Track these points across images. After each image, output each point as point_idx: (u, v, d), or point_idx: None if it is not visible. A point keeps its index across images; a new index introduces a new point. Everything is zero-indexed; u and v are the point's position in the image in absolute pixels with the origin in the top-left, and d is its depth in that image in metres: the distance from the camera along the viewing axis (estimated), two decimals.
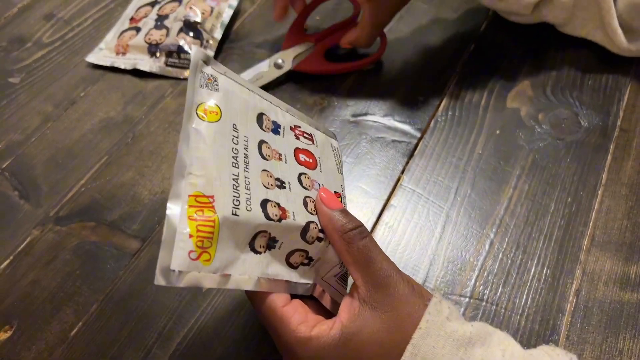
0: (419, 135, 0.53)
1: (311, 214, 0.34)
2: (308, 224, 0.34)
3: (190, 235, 0.28)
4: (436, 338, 0.30)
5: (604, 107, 0.55)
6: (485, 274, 0.44)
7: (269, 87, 0.57)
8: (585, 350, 0.40)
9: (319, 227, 0.34)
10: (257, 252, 0.32)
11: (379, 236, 0.47)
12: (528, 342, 0.41)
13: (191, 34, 0.59)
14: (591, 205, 0.48)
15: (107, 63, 0.60)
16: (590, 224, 0.47)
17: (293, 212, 0.33)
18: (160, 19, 0.61)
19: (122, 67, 0.59)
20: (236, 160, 0.32)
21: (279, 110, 0.39)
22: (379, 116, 0.55)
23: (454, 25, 0.63)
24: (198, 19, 0.59)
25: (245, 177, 0.32)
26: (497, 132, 0.54)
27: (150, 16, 0.62)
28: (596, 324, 0.42)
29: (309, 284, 0.35)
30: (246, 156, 0.33)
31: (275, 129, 0.37)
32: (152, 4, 0.64)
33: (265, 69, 0.57)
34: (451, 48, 0.61)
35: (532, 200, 0.49)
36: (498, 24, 0.62)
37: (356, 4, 0.61)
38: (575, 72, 0.58)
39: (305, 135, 0.39)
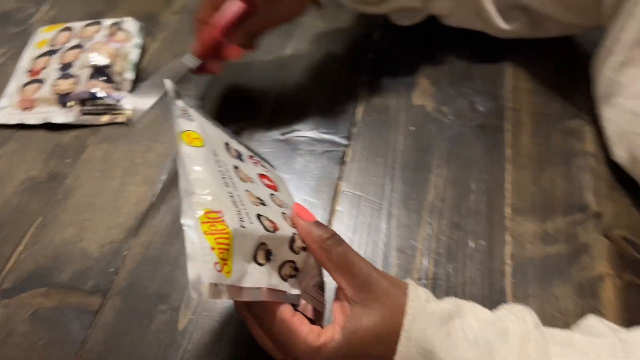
0: (345, 142, 0.58)
1: (291, 227, 0.37)
2: (293, 235, 0.36)
3: (212, 248, 0.29)
4: (423, 320, 0.34)
5: (493, 92, 0.63)
6: (433, 255, 0.49)
7: None
8: (529, 302, 0.47)
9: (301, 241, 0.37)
10: (260, 264, 0.33)
11: None
12: (483, 306, 0.46)
13: (102, 78, 0.58)
14: (504, 178, 0.55)
15: (14, 121, 0.57)
16: (508, 195, 0.54)
17: (280, 225, 0.35)
18: (65, 67, 0.59)
19: (33, 122, 0.57)
20: (225, 180, 0.33)
21: (235, 141, 0.41)
22: (306, 130, 0.58)
23: (350, 37, 0.69)
24: (106, 63, 0.59)
25: (237, 195, 0.33)
26: (412, 128, 0.59)
27: (52, 66, 0.60)
28: (532, 278, 0.48)
29: (298, 294, 0.37)
30: (230, 178, 0.34)
31: (239, 156, 0.39)
32: (50, 53, 0.62)
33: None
34: (353, 58, 0.66)
35: (455, 183, 0.55)
36: (390, 31, 0.69)
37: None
38: (464, 65, 0.65)
39: (260, 163, 0.42)
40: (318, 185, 0.54)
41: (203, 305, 0.45)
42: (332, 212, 0.52)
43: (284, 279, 0.36)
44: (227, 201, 0.32)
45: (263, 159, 0.46)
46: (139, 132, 0.58)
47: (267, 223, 0.34)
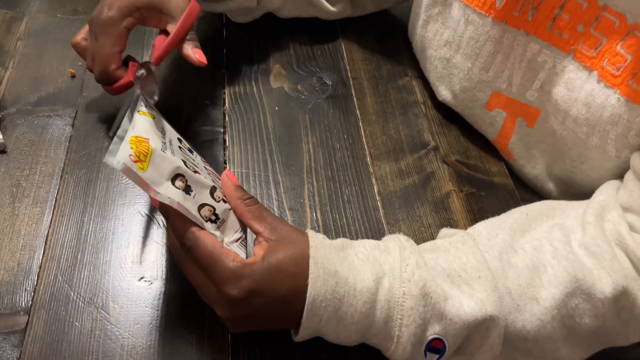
0: (222, 130, 0.64)
1: (216, 184, 0.45)
2: (214, 187, 0.44)
3: (131, 148, 0.40)
4: (323, 249, 0.42)
5: (335, 66, 0.74)
6: (319, 207, 0.58)
7: None
8: (400, 225, 0.58)
9: (224, 195, 0.45)
10: (176, 187, 0.42)
11: None
12: (367, 237, 0.57)
13: None
14: (360, 134, 0.66)
15: None
16: (365, 147, 0.65)
17: (204, 176, 0.44)
18: None
19: None
20: (163, 140, 0.44)
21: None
22: (186, 126, 0.63)
23: (201, 36, 0.74)
24: None
25: (169, 143, 0.45)
26: (276, 108, 0.68)
27: None
28: (399, 207, 0.59)
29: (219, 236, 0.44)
30: (170, 142, 0.45)
31: (189, 150, 0.49)
32: None
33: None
34: (209, 55, 0.72)
35: (323, 146, 0.64)
36: (235, 26, 0.76)
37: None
38: (306, 48, 0.75)
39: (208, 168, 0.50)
40: None
41: (129, 296, 0.49)
42: None
43: (204, 219, 0.43)
44: (157, 139, 0.43)
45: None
46: (17, 157, 0.58)
47: (189, 165, 0.43)
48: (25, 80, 0.66)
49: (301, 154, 0.63)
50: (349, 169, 0.62)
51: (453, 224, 0.58)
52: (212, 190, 0.44)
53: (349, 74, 0.73)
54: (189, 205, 0.41)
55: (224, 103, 0.67)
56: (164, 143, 0.44)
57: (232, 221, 0.45)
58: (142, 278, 0.50)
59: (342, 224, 0.57)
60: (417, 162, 0.64)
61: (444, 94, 0.67)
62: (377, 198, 0.60)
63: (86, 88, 0.66)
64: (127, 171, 0.39)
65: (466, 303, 0.41)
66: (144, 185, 0.39)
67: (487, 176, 0.63)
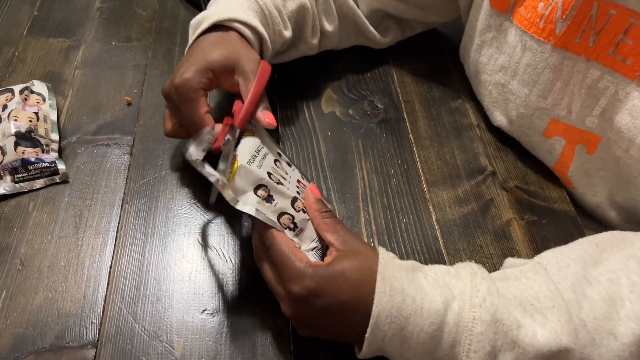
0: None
1: (299, 195, 0.49)
2: (296, 197, 0.48)
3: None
4: (392, 267, 0.43)
5: (386, 89, 0.73)
6: (376, 236, 0.58)
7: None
8: (461, 255, 0.56)
9: (304, 205, 0.49)
10: (257, 196, 0.46)
11: None
12: None
13: (29, 144, 0.58)
14: (414, 159, 0.65)
15: None
16: (421, 173, 0.64)
17: (287, 187, 0.48)
18: None
19: None
20: (256, 153, 0.49)
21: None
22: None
23: None
24: (29, 128, 0.59)
25: (262, 158, 0.49)
26: (329, 133, 0.67)
27: None
28: (458, 236, 0.58)
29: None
30: (264, 157, 0.50)
31: (288, 164, 0.53)
32: None
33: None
34: None
35: (377, 172, 0.63)
36: None
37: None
38: (355, 70, 0.75)
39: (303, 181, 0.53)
40: None
41: (192, 329, 0.49)
42: None
43: (283, 226, 0.47)
44: (247, 155, 0.47)
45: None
46: (78, 187, 0.59)
47: (274, 177, 0.48)
48: (84, 109, 0.67)
49: (355, 181, 0.62)
50: (405, 196, 0.61)
51: (515, 254, 0.56)
52: (294, 200, 0.48)
53: (400, 97, 0.72)
54: (268, 212, 0.46)
55: (278, 128, 0.67)
56: (254, 157, 0.48)
57: (310, 231, 0.48)
58: (204, 311, 0.50)
59: (400, 254, 0.56)
60: (475, 189, 0.62)
61: (499, 119, 0.65)
62: (436, 227, 0.59)
63: (142, 116, 0.67)
64: (216, 183, 0.45)
65: (540, 332, 0.40)
66: (227, 194, 0.45)
67: (547, 203, 0.61)
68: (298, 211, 0.48)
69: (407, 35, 0.77)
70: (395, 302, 0.40)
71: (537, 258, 0.47)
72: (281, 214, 0.47)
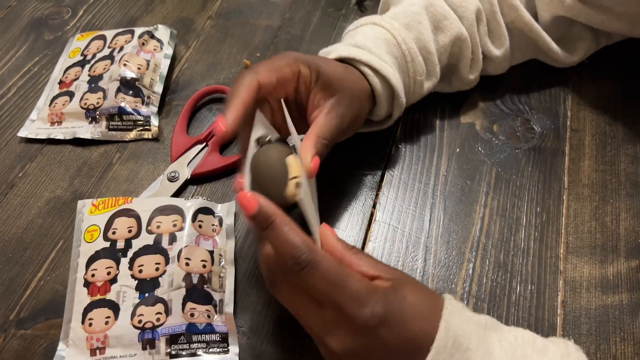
0: (382, 165, 0.53)
1: None
2: None
3: None
4: (460, 318, 0.34)
5: (552, 109, 0.56)
6: (474, 300, 0.45)
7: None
8: None
9: None
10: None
11: None
12: None
13: (130, 92, 0.56)
14: (559, 211, 0.49)
15: (43, 135, 0.56)
16: (563, 231, 0.48)
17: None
18: (94, 80, 0.57)
19: (61, 137, 0.55)
20: None
21: None
22: (344, 152, 0.54)
23: None
24: (135, 75, 0.56)
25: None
26: (457, 150, 0.54)
27: (82, 78, 0.58)
28: (587, 332, 0.43)
29: None
30: None
31: None
32: (82, 64, 0.60)
33: (158, 186, 0.51)
34: None
35: (504, 216, 0.49)
36: None
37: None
38: (519, 79, 0.59)
39: None
40: (350, 213, 0.50)
41: None
42: (364, 243, 0.48)
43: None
44: None
45: None
46: (166, 149, 0.55)
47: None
48: (202, 64, 0.63)
49: (470, 221, 0.49)
50: (530, 258, 0.47)
51: None
52: None
53: (569, 123, 0.55)
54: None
55: (397, 131, 0.56)
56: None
57: None
58: None
59: None
60: (634, 275, 0.45)
61: None
62: (559, 312, 0.44)
63: None
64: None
65: None
66: None
67: None
68: None
69: (602, 44, 0.58)
70: None
71: None
72: None
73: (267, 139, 0.38)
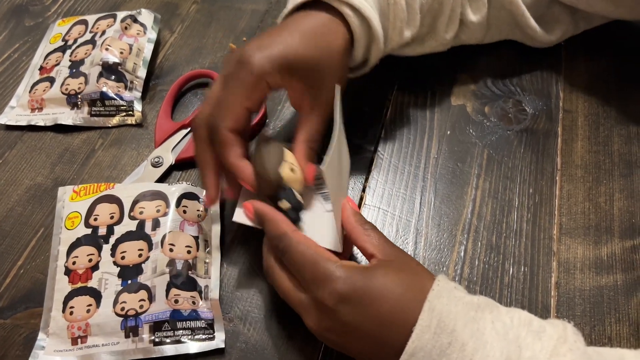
0: (372, 148, 0.52)
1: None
2: None
3: None
4: (448, 299, 0.33)
5: (544, 90, 0.55)
6: (466, 282, 0.44)
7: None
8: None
9: None
10: None
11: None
12: None
13: (113, 77, 0.54)
14: (552, 192, 0.48)
15: (23, 122, 0.54)
16: (556, 212, 0.47)
17: None
18: (75, 65, 0.56)
19: (42, 124, 0.54)
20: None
21: None
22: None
23: None
24: (117, 60, 0.55)
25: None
26: (448, 132, 0.53)
27: (63, 63, 0.57)
28: (581, 314, 0.42)
29: None
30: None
31: None
32: (63, 49, 0.58)
33: (142, 171, 0.50)
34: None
35: (496, 198, 0.48)
36: None
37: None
38: (510, 60, 0.58)
39: None
40: None
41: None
42: None
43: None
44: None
45: None
46: (149, 134, 0.54)
47: None
48: (186, 48, 0.61)
49: (462, 203, 0.48)
50: (523, 239, 0.46)
51: None
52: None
53: (561, 104, 0.54)
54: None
55: (386, 113, 0.55)
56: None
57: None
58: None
59: None
60: (629, 255, 0.44)
61: None
62: (553, 293, 0.43)
63: None
64: None
65: None
66: None
67: None
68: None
69: (581, 29, 0.57)
70: (439, 344, 0.32)
71: None
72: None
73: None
